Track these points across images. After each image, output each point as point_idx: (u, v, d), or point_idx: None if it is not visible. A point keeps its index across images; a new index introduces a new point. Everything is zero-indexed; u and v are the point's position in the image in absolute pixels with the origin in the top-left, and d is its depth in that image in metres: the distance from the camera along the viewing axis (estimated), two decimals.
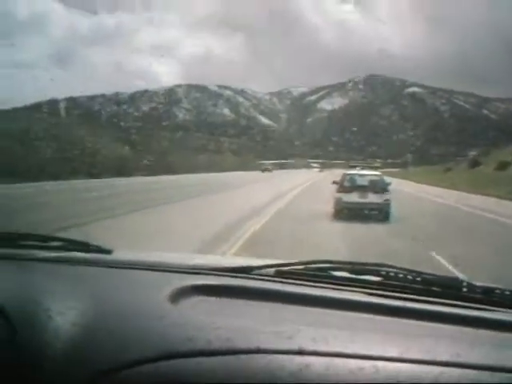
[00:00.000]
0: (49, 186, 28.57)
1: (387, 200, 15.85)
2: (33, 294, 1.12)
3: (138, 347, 0.97)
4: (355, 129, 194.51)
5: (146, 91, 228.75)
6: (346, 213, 15.60)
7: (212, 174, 60.38)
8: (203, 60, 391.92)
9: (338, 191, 16.48)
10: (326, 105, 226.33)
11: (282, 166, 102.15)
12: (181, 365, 0.93)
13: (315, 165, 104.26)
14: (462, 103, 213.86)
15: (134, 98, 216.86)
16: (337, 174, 54.10)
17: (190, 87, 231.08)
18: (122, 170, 48.19)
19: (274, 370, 0.91)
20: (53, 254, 1.65)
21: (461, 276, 5.61)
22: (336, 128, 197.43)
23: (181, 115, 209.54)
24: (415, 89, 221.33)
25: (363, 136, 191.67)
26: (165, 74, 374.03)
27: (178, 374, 0.92)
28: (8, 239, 1.76)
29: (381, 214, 15.58)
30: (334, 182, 17.80)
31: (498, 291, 1.36)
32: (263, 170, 79.84)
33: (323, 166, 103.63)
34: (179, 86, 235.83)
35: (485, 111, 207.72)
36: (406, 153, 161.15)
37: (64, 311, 1.06)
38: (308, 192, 31.70)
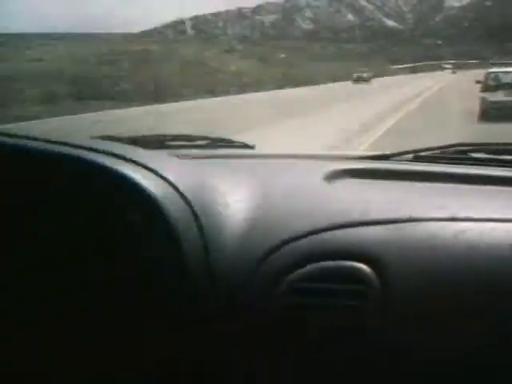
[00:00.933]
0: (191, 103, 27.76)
1: None
2: (209, 184, 1.13)
3: (303, 222, 1.03)
4: (486, 25, 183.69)
5: (267, 3, 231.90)
6: (494, 113, 14.58)
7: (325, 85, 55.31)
8: None
9: (483, 90, 15.92)
10: (455, 2, 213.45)
11: (412, 70, 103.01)
12: (344, 234, 0.99)
13: (448, 66, 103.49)
14: None
15: (257, 11, 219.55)
16: (470, 74, 55.04)
17: None
18: (244, 85, 44.51)
19: (427, 237, 0.94)
20: (202, 151, 1.72)
21: None
22: (467, 25, 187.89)
23: (304, 25, 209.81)
24: None
25: (497, 31, 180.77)
26: None
27: (338, 243, 0.98)
28: (158, 141, 1.80)
29: None
30: (478, 82, 17.44)
31: None
32: (356, 81, 55.26)
33: (456, 67, 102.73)
34: None
35: None
36: None
37: (234, 199, 1.10)
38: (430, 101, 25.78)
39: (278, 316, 0.92)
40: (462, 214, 0.98)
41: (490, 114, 14.70)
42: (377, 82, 52.84)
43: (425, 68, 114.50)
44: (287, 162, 1.59)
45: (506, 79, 16.03)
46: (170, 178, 0.99)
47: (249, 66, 62.50)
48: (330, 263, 0.94)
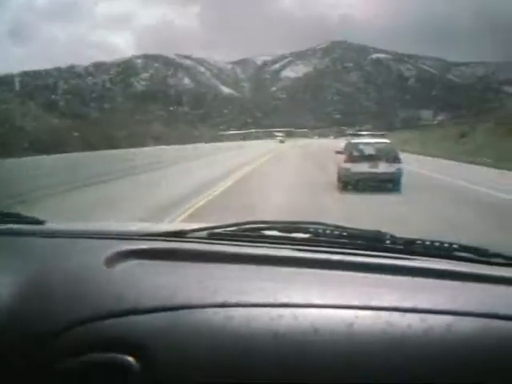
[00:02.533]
0: None
1: (399, 169, 15.03)
2: None
3: (74, 310, 1.00)
4: (320, 96, 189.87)
5: (102, 63, 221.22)
6: (354, 184, 14.85)
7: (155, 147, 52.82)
8: (162, 30, 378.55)
9: (346, 161, 15.58)
10: (290, 73, 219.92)
11: (243, 137, 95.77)
12: (114, 323, 0.96)
13: (279, 134, 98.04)
14: (427, 68, 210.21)
15: (90, 70, 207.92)
16: (302, 144, 47.08)
17: (149, 57, 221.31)
18: (56, 145, 42.29)
19: (199, 324, 0.94)
20: None
21: None
22: (301, 96, 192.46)
23: (139, 86, 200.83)
24: (380, 55, 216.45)
25: (328, 103, 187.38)
26: (122, 46, 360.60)
27: (106, 334, 0.95)
28: None
29: (393, 184, 14.87)
30: (339, 152, 17.13)
31: (419, 242, 1.43)
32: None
33: (287, 136, 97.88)
34: (137, 56, 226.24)
35: (451, 75, 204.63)
36: (373, 119, 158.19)
37: (2, 282, 1.08)
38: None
39: None
40: (234, 299, 0.99)
41: (353, 185, 14.72)
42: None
43: (257, 135, 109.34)
44: (72, 241, 1.53)
45: (367, 150, 15.70)
46: None
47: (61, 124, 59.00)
48: (95, 356, 0.92)
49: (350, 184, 15.00)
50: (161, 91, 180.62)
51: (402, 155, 16.73)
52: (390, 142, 17.89)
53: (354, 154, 15.76)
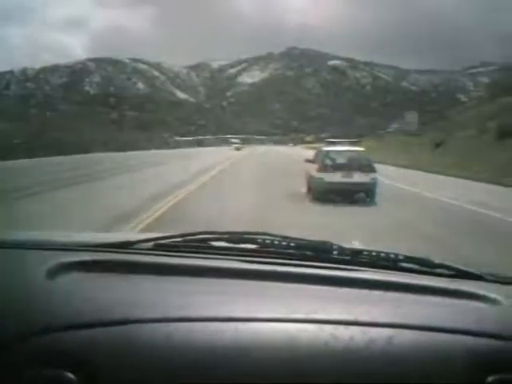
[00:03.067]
0: None
1: (375, 179, 14.28)
2: None
3: (11, 325, 0.98)
4: (277, 102, 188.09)
5: (55, 66, 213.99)
6: (329, 195, 13.97)
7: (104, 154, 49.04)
8: (116, 34, 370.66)
9: (318, 170, 14.63)
10: (247, 78, 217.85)
11: (199, 143, 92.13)
12: (52, 339, 0.95)
13: (235, 141, 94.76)
14: (382, 75, 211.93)
15: (43, 72, 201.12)
16: (260, 152, 43.48)
17: (102, 61, 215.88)
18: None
19: (139, 340, 0.94)
20: None
21: None
22: (257, 101, 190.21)
23: (91, 89, 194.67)
24: (336, 61, 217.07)
25: (285, 109, 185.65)
26: (76, 49, 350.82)
27: (51, 347, 0.94)
28: None
29: (368, 195, 14.31)
30: (308, 161, 15.96)
31: (365, 253, 1.45)
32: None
33: (244, 142, 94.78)
34: (91, 59, 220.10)
35: (405, 83, 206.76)
36: (331, 126, 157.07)
37: None
38: None
39: None
40: (176, 314, 1.00)
41: (325, 195, 13.89)
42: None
43: (211, 141, 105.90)
44: (11, 251, 1.48)
45: (341, 159, 14.72)
46: None
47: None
48: (34, 372, 0.91)
49: (321, 195, 13.99)
50: (113, 95, 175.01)
51: (378, 167, 14.94)
52: (364, 149, 16.65)
53: (327, 163, 14.73)
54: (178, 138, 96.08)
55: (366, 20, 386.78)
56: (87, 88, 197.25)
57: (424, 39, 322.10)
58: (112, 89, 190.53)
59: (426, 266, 1.42)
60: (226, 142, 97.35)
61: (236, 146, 73.75)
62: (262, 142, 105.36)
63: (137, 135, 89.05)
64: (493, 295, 1.23)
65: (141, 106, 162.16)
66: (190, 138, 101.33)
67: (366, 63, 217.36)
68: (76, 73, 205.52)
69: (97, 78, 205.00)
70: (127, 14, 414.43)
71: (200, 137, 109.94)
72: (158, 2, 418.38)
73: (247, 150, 67.16)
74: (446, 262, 1.44)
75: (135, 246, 1.48)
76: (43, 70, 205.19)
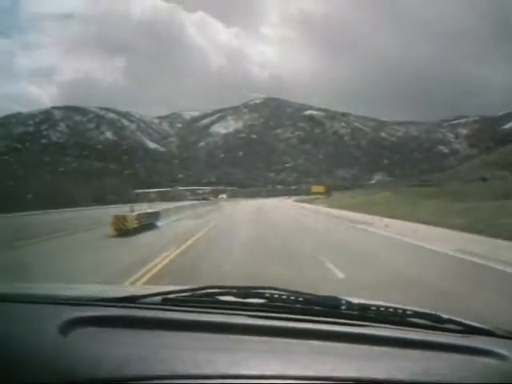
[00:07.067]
0: None
1: None
2: None
3: (25, 379, 0.98)
4: (252, 153, 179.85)
5: (19, 113, 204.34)
6: None
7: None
8: (86, 84, 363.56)
9: None
10: (220, 128, 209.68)
11: (162, 197, 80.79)
12: None
13: (200, 192, 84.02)
14: (361, 126, 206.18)
15: (6, 121, 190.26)
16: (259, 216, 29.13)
17: (69, 109, 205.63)
18: None
19: None
20: None
21: None
22: (231, 152, 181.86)
23: (55, 138, 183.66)
24: (313, 112, 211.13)
25: (261, 160, 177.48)
26: (42, 98, 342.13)
27: None
28: None
29: None
30: None
31: (373, 308, 1.45)
32: None
33: (214, 194, 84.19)
34: (57, 108, 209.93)
35: (384, 134, 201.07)
36: (308, 178, 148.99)
37: None
38: None
39: None
40: (186, 371, 1.00)
41: None
42: None
43: (181, 193, 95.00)
44: (23, 307, 1.47)
45: None
46: None
47: None
48: None
49: None
50: (78, 144, 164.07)
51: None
52: None
53: None
54: (140, 191, 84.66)
55: (342, 72, 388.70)
56: (51, 136, 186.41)
57: (399, 91, 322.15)
58: (77, 137, 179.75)
59: (434, 322, 1.40)
60: (196, 194, 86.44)
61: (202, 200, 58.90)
62: (233, 195, 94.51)
63: (99, 187, 77.82)
64: (502, 351, 1.21)
65: (107, 155, 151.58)
66: (156, 190, 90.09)
67: (343, 114, 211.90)
68: (40, 121, 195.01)
69: (62, 127, 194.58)
70: (98, 65, 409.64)
71: (168, 188, 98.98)
72: (131, 53, 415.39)
73: (233, 206, 49.87)
74: (454, 317, 1.43)
75: (144, 301, 1.47)
76: (7, 117, 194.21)
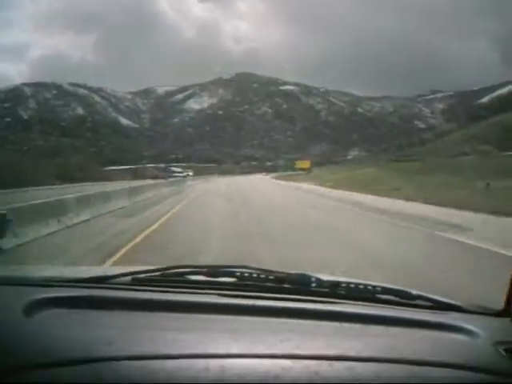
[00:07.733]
0: None
1: None
2: None
3: None
4: (227, 128, 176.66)
5: None
6: None
7: None
8: (57, 60, 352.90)
9: None
10: (195, 104, 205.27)
11: (134, 174, 77.83)
12: (35, 377, 0.92)
13: (178, 169, 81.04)
14: (337, 101, 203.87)
15: None
16: (233, 189, 25.71)
17: (39, 85, 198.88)
18: None
19: (119, 378, 0.91)
20: None
21: None
22: (205, 128, 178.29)
23: (24, 115, 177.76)
24: (289, 87, 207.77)
25: (236, 136, 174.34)
26: (11, 75, 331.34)
27: None
28: None
29: None
30: None
31: (343, 285, 1.46)
32: None
33: (190, 169, 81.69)
34: (26, 84, 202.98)
35: (360, 109, 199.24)
36: (284, 154, 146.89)
37: None
38: None
39: None
40: (157, 351, 0.98)
41: None
42: None
43: (153, 171, 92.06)
44: None
45: None
46: None
47: None
48: None
49: None
50: (46, 120, 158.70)
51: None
52: None
53: None
54: (110, 168, 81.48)
55: (317, 47, 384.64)
56: (21, 113, 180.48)
57: (375, 66, 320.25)
58: (47, 114, 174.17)
59: (404, 298, 1.41)
60: (169, 172, 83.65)
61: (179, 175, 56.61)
62: (211, 172, 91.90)
63: (64, 164, 74.36)
64: (471, 327, 1.22)
65: (78, 132, 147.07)
66: (125, 167, 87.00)
67: (319, 89, 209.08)
68: (9, 98, 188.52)
69: (32, 104, 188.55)
70: (70, 40, 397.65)
71: (139, 165, 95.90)
72: (103, 28, 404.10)
73: (205, 185, 45.97)
74: (425, 294, 1.45)
75: (113, 281, 1.45)
76: None
